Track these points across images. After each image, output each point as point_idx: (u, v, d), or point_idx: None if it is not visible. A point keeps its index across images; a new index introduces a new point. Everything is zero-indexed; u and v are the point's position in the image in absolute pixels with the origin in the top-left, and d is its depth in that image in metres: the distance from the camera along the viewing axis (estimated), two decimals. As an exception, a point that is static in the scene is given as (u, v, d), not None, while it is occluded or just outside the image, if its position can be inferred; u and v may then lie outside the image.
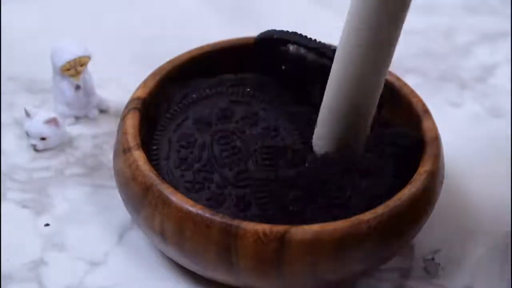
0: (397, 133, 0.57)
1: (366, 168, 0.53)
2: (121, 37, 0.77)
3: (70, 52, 0.64)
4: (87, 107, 0.68)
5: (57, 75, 0.66)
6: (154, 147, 0.56)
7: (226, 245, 0.50)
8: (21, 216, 0.60)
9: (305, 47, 0.57)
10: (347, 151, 0.53)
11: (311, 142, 0.55)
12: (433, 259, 0.59)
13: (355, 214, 0.51)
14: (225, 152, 0.54)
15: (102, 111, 0.69)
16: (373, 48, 0.48)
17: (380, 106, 0.55)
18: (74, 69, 0.65)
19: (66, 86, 0.66)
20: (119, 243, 0.59)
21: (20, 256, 0.57)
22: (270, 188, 0.52)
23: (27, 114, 0.65)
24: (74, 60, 0.64)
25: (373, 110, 0.52)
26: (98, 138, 0.67)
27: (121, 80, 0.68)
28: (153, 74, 0.60)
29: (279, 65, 0.59)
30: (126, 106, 0.58)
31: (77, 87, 0.66)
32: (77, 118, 0.68)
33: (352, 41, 0.48)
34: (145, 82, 0.59)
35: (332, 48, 0.55)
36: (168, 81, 0.60)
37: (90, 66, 0.66)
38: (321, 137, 0.53)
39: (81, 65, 0.65)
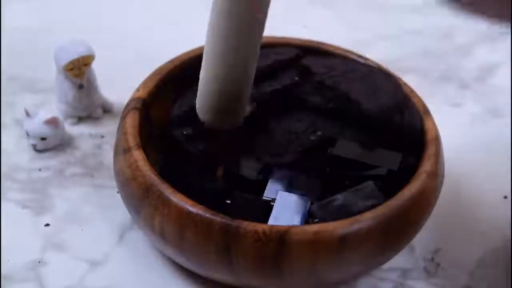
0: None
1: None
2: (121, 37, 0.77)
3: (73, 51, 0.64)
4: (91, 107, 0.68)
5: (60, 75, 0.66)
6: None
7: (226, 245, 0.50)
8: (21, 216, 0.60)
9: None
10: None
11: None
12: (433, 259, 0.59)
13: None
14: None
15: (106, 111, 0.69)
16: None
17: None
18: (78, 68, 0.65)
19: (69, 86, 0.66)
20: (119, 243, 0.59)
21: (20, 256, 0.57)
22: None
23: (27, 114, 0.65)
24: (78, 59, 0.64)
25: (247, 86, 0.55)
26: (98, 138, 0.67)
27: (121, 80, 0.67)
28: (153, 74, 0.60)
29: None
30: (126, 106, 0.58)
31: (80, 86, 0.66)
32: (80, 118, 0.68)
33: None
34: (145, 82, 0.59)
35: None
36: (168, 81, 0.60)
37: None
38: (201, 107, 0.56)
39: (85, 65, 0.65)
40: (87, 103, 0.67)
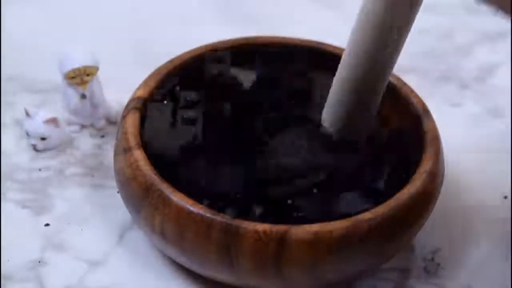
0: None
1: None
2: (122, 37, 0.77)
3: (76, 60, 0.64)
4: (94, 117, 0.67)
5: (64, 82, 0.65)
6: None
7: (226, 245, 0.50)
8: (21, 216, 0.60)
9: None
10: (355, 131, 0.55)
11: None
12: (433, 259, 0.59)
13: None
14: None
15: (111, 122, 0.69)
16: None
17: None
18: (80, 78, 0.64)
19: (72, 94, 0.65)
20: (119, 243, 0.59)
21: (20, 256, 0.57)
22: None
23: (27, 114, 0.65)
24: (79, 68, 0.64)
25: (381, 90, 0.54)
26: (98, 138, 0.67)
27: (121, 80, 0.67)
28: (153, 74, 0.60)
29: None
30: (127, 106, 0.58)
31: (83, 96, 0.65)
32: (83, 127, 0.68)
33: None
34: (145, 82, 0.59)
35: None
36: (168, 81, 0.60)
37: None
38: (330, 115, 0.55)
39: (88, 75, 0.65)
40: (90, 113, 0.67)
